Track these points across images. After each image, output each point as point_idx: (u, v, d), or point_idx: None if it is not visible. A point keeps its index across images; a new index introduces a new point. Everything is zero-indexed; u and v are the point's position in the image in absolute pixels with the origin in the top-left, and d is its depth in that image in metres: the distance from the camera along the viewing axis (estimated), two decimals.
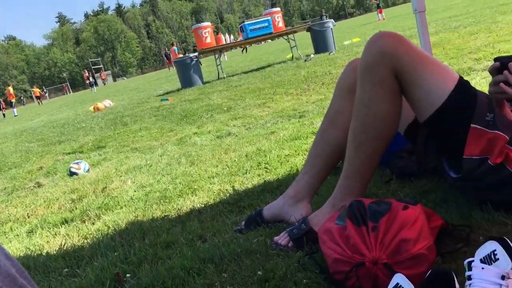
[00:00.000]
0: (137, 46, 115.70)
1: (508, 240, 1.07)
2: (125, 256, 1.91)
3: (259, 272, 1.46)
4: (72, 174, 4.18)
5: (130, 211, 2.64)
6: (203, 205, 2.41)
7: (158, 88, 15.36)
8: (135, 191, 3.11)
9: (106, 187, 3.40)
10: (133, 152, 4.79)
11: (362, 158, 1.51)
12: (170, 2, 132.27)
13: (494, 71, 1.47)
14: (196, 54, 12.25)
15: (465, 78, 1.84)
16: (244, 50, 24.40)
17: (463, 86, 1.42)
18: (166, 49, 39.40)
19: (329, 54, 11.21)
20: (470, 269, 1.01)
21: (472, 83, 3.89)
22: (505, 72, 1.42)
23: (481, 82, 3.85)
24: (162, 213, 2.46)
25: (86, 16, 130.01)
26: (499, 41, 6.24)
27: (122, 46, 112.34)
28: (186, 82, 11.84)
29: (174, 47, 30.42)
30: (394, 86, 1.45)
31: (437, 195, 1.73)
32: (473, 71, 4.68)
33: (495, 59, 1.46)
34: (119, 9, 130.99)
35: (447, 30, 9.44)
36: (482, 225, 1.42)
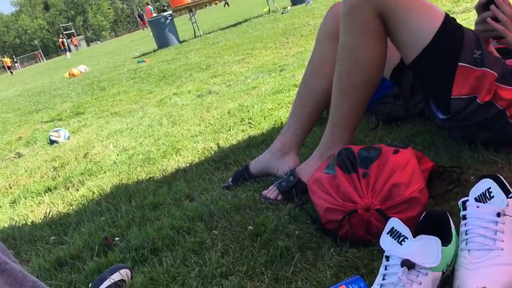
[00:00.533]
0: (109, 8, 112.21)
1: (501, 177, 1.06)
2: (113, 220, 1.88)
3: (250, 227, 1.44)
4: (52, 142, 4.08)
5: (114, 175, 2.59)
6: (188, 165, 2.37)
7: (133, 50, 15.00)
8: (118, 155, 3.05)
9: (88, 153, 3.33)
10: (113, 117, 4.69)
11: (348, 105, 1.47)
12: None
13: (480, 8, 1.42)
14: (170, 12, 11.91)
15: None
16: (226, 4, 23.75)
17: (449, 23, 1.37)
18: (139, 9, 38.17)
19: (306, 5, 10.99)
20: (465, 208, 1.00)
21: None
22: (492, 6, 1.37)
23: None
24: (147, 175, 2.42)
25: None
26: None
27: (93, 9, 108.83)
28: (162, 42, 11.56)
29: (150, 7, 29.47)
30: (378, 28, 1.39)
31: (425, 138, 1.71)
32: (452, 13, 4.61)
33: None
34: None
35: None
36: (472, 165, 1.41)
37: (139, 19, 30.95)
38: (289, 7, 11.31)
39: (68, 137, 4.14)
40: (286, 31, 7.26)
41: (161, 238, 1.55)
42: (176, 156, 2.60)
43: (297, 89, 1.80)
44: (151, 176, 2.38)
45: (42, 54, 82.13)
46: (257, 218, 1.48)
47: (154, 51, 11.50)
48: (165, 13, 11.75)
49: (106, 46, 35.54)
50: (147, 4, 30.29)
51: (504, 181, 1.05)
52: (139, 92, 5.77)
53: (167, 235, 1.55)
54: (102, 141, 3.62)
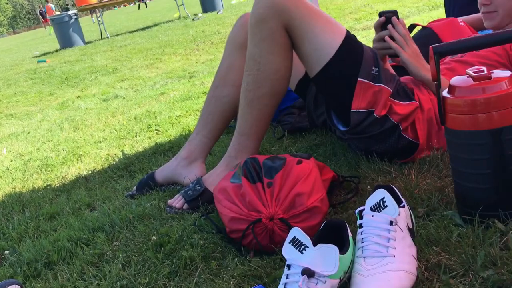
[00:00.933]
0: (7, 3, 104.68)
1: (394, 187, 1.13)
2: (3, 231, 1.74)
3: (153, 237, 1.40)
4: None
5: (6, 182, 2.40)
6: (90, 172, 2.27)
7: (33, 49, 14.08)
8: (11, 160, 2.84)
9: None
10: (7, 119, 4.36)
11: (255, 115, 1.49)
12: None
13: (379, 27, 1.52)
14: (75, 11, 11.37)
15: None
16: (144, 4, 22.95)
17: (350, 40, 1.44)
18: (41, 6, 35.88)
19: (217, 13, 11.05)
20: (361, 217, 1.05)
21: None
22: (389, 26, 1.47)
23: (362, 41, 4.03)
24: (44, 182, 2.27)
25: None
26: (377, 2, 6.59)
27: None
28: (66, 42, 10.97)
29: (51, 4, 27.77)
30: (285, 40, 1.43)
31: (326, 149, 1.78)
32: (354, 30, 4.89)
33: (380, 14, 1.51)
34: None
35: None
36: (369, 175, 1.49)
37: (40, 16, 29.06)
38: (200, 14, 11.30)
39: None
40: (197, 38, 7.25)
41: (57, 250, 1.45)
42: (77, 162, 2.48)
43: (206, 96, 1.79)
44: (48, 184, 2.24)
45: None
46: (161, 228, 1.44)
47: (57, 51, 10.89)
48: (69, 12, 11.18)
49: (3, 42, 33.06)
50: (47, 1, 28.46)
51: (397, 191, 1.12)
52: (39, 94, 5.43)
53: (63, 247, 1.46)
54: None
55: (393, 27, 1.48)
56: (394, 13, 1.49)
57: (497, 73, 1.07)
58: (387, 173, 1.47)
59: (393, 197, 1.04)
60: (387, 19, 1.49)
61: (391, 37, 1.49)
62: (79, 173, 2.29)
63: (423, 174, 1.41)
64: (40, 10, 29.33)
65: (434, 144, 1.51)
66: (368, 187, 1.42)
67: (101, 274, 1.28)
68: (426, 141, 1.49)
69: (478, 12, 1.77)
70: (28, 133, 3.51)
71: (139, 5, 21.96)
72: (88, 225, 1.58)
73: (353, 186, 1.44)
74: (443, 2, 5.53)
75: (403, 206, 1.07)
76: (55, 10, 24.14)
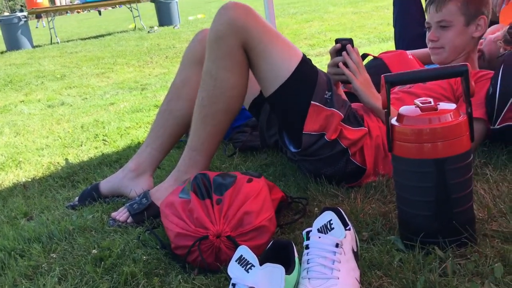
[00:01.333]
0: None
1: (342, 210, 1.14)
2: None
3: (94, 250, 1.34)
4: None
5: None
6: (29, 180, 2.17)
7: None
8: None
9: None
10: None
11: (207, 131, 1.48)
12: None
13: (334, 53, 1.57)
14: (25, 13, 10.98)
15: None
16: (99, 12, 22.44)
17: (305, 64, 1.47)
18: None
19: (173, 27, 11.00)
20: (308, 238, 1.05)
21: None
22: (344, 53, 1.52)
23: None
24: None
25: None
26: (330, 30, 6.78)
27: None
28: (12, 44, 10.55)
29: None
30: (242, 58, 1.44)
31: (277, 169, 1.79)
32: (308, 55, 4.98)
33: (336, 41, 1.55)
34: None
35: (286, 15, 9.96)
36: (317, 197, 1.50)
37: None
38: (156, 27, 11.21)
39: None
40: (151, 51, 7.17)
41: None
42: (16, 169, 2.36)
43: (158, 109, 1.77)
44: None
45: None
46: (102, 241, 1.39)
47: (2, 52, 10.44)
48: (18, 13, 10.79)
49: None
50: None
51: (344, 214, 1.14)
52: None
53: None
54: None
55: (348, 54, 1.53)
56: (350, 41, 1.55)
57: (443, 105, 1.12)
58: (334, 196, 1.50)
59: (340, 219, 1.05)
60: (343, 46, 1.54)
61: (345, 64, 1.53)
62: (17, 180, 2.18)
63: (368, 198, 1.44)
64: None
65: (380, 170, 1.55)
66: (316, 209, 1.44)
67: (34, 287, 1.21)
68: (373, 167, 1.53)
69: (426, 47, 1.86)
70: None
71: (99, 11, 21.56)
72: (24, 235, 1.50)
73: (301, 207, 1.46)
74: (392, 36, 5.77)
75: (349, 229, 1.09)
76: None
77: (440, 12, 1.65)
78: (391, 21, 2.64)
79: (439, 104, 1.12)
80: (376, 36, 5.59)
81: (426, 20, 1.74)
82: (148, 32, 10.47)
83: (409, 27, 2.43)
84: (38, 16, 11.73)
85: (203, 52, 1.54)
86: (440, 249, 1.11)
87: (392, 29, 2.62)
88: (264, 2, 2.53)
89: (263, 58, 1.42)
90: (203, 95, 1.47)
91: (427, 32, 1.77)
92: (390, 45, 4.75)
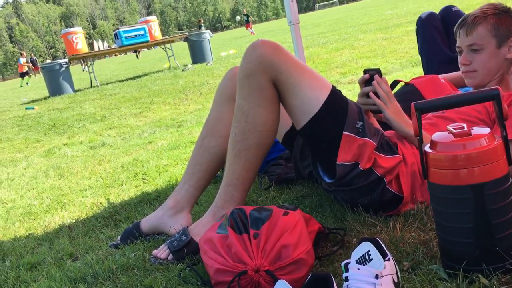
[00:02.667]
0: None
1: (380, 240, 1.13)
2: None
3: None
4: None
5: None
6: (74, 221, 2.24)
7: (22, 96, 14.14)
8: None
9: None
10: None
11: (242, 166, 1.51)
12: (36, 5, 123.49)
13: (363, 83, 1.58)
14: (66, 60, 11.52)
15: None
16: (137, 56, 23.35)
17: (335, 95, 1.48)
18: (33, 54, 36.01)
19: (206, 64, 11.28)
20: (347, 270, 1.05)
21: None
22: (374, 82, 1.53)
23: (347, 95, 4.12)
24: (26, 231, 2.23)
25: None
26: (361, 57, 6.79)
27: None
28: (55, 90, 11.07)
29: (21, 59, 26.77)
30: (272, 93, 1.47)
31: (313, 200, 1.79)
32: (340, 84, 5.02)
33: (365, 71, 1.57)
34: None
35: (316, 45, 10.05)
36: (354, 227, 1.49)
37: (31, 64, 28.96)
38: (189, 65, 11.52)
39: None
40: (186, 88, 7.35)
41: None
42: (61, 211, 2.45)
43: (193, 146, 1.81)
44: (31, 232, 2.20)
45: None
46: (145, 279, 1.42)
47: (45, 98, 10.94)
48: (60, 60, 11.33)
49: None
50: (21, 54, 27.90)
51: (382, 244, 1.13)
52: (25, 141, 5.41)
53: None
54: None
55: (377, 84, 1.54)
56: (378, 71, 1.56)
57: (477, 130, 1.11)
58: (372, 225, 1.48)
59: (378, 250, 1.05)
60: (371, 76, 1.55)
61: (375, 94, 1.55)
62: (62, 222, 2.26)
63: (407, 227, 1.42)
64: (31, 58, 29.57)
65: (418, 198, 1.53)
66: (354, 239, 1.43)
67: None
68: (410, 194, 1.51)
69: (454, 71, 1.84)
70: (12, 180, 3.47)
71: (137, 55, 22.36)
72: (70, 275, 1.55)
73: (339, 239, 1.45)
74: None
75: (388, 260, 1.08)
76: (24, 64, 24.14)
77: (471, 36, 1.63)
78: None
79: (472, 129, 1.11)
80: (408, 61, 5.56)
81: (457, 45, 1.72)
82: (183, 70, 10.76)
83: (435, 54, 2.42)
84: (83, 61, 12.30)
85: (234, 89, 1.58)
86: (485, 276, 1.08)
87: None
88: (292, 34, 2.58)
89: (293, 92, 1.45)
90: (236, 131, 1.50)
91: (458, 56, 1.75)
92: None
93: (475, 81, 1.69)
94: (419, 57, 2.46)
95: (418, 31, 2.50)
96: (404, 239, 1.35)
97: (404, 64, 5.40)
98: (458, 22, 1.70)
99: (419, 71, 4.64)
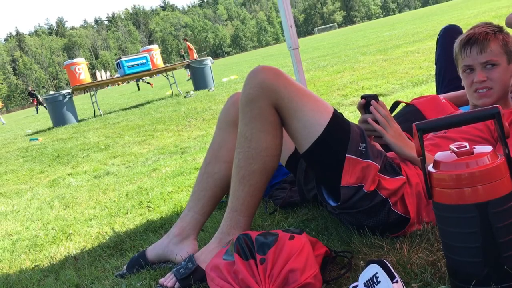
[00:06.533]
0: (1, 83, 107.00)
1: (387, 262, 1.13)
2: None
3: None
4: None
5: None
6: (79, 251, 2.23)
7: (26, 128, 14.25)
8: None
9: None
10: None
11: (246, 191, 1.51)
12: (39, 37, 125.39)
13: (361, 108, 1.60)
14: (68, 91, 11.64)
15: None
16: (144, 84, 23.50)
17: (337, 118, 1.49)
18: (30, 88, 36.15)
19: (208, 90, 11.38)
20: None
21: None
22: (371, 108, 1.55)
23: (349, 116, 4.15)
24: (32, 263, 2.22)
25: None
26: (362, 78, 6.85)
27: None
28: (59, 120, 11.16)
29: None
30: (274, 118, 1.48)
31: (318, 223, 1.79)
32: (341, 106, 5.05)
33: (362, 97, 1.59)
34: None
35: (317, 68, 10.14)
36: (361, 250, 1.48)
37: (30, 97, 29.14)
38: (192, 92, 11.62)
39: None
40: (189, 115, 7.40)
41: None
42: (67, 241, 2.44)
43: (197, 172, 1.82)
44: (36, 264, 2.19)
45: None
46: None
47: (49, 129, 11.02)
48: (63, 91, 11.45)
49: None
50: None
51: (389, 266, 1.12)
52: (29, 172, 5.43)
53: None
54: None
55: (375, 109, 1.55)
56: (375, 96, 1.57)
57: (479, 149, 1.12)
58: (379, 247, 1.48)
59: (386, 272, 1.04)
60: (367, 102, 1.57)
61: (374, 120, 1.55)
62: (68, 253, 2.25)
63: (415, 248, 1.41)
64: (31, 90, 29.86)
65: (424, 218, 1.52)
66: (361, 262, 1.42)
67: None
68: (416, 215, 1.51)
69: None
70: (18, 212, 3.48)
71: (138, 86, 22.48)
72: None
73: (346, 261, 1.44)
74: (425, 79, 5.74)
75: (397, 282, 1.07)
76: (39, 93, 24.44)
77: (485, 52, 1.62)
78: (422, 65, 2.68)
79: (475, 148, 1.12)
80: (409, 81, 5.60)
81: (466, 63, 1.67)
82: (185, 97, 10.85)
83: (451, 66, 2.42)
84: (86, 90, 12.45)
85: (236, 114, 1.60)
86: None
87: (425, 73, 2.62)
88: (292, 59, 2.61)
89: (295, 116, 1.46)
90: (239, 156, 1.51)
91: (466, 74, 1.71)
92: (424, 89, 4.74)
93: (490, 100, 1.64)
94: (420, 77, 2.48)
95: (438, 42, 2.50)
96: (412, 260, 1.34)
97: (405, 85, 5.43)
98: (462, 41, 1.67)
99: (420, 90, 4.68)
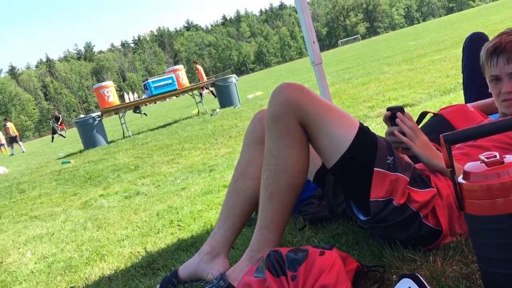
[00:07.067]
0: (34, 109, 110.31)
1: (420, 276, 1.11)
2: None
3: None
4: None
5: (31, 286, 2.41)
6: (113, 271, 2.27)
7: (58, 151, 14.61)
8: (36, 263, 2.85)
9: (1, 262, 3.09)
10: (32, 221, 4.44)
11: (275, 208, 1.52)
12: (68, 62, 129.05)
13: (387, 121, 1.59)
14: (98, 113, 11.92)
15: None
16: (143, 114, 23.76)
17: (363, 132, 1.49)
18: (57, 112, 36.86)
19: (234, 107, 11.46)
20: None
21: None
22: (398, 120, 1.54)
23: (376, 128, 4.12)
24: (68, 284, 2.27)
25: None
26: (388, 89, 6.79)
27: (17, 109, 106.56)
28: (89, 143, 11.42)
29: (7, 123, 26.25)
30: (300, 134, 1.49)
31: (349, 238, 1.78)
32: (368, 117, 5.01)
33: (387, 109, 1.58)
34: (12, 71, 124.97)
35: (342, 81, 10.11)
36: (393, 264, 1.47)
37: (55, 121, 29.45)
38: (218, 110, 11.73)
39: None
40: (215, 132, 7.47)
41: None
42: (101, 262, 2.48)
43: (226, 190, 1.83)
44: (72, 285, 2.24)
45: None
46: None
47: (80, 151, 11.28)
48: (93, 114, 11.73)
49: (29, 146, 34.38)
50: (5, 120, 28.03)
51: (422, 279, 1.11)
52: (63, 194, 5.56)
53: None
54: (19, 248, 3.39)
55: (401, 121, 1.54)
56: (400, 109, 1.56)
57: (510, 158, 1.10)
58: (412, 261, 1.45)
59: (419, 286, 1.03)
60: (393, 114, 1.56)
61: (401, 132, 1.54)
62: (102, 273, 2.29)
63: (448, 260, 1.39)
64: (57, 115, 30.51)
65: (456, 229, 1.50)
66: (394, 276, 1.40)
67: None
68: (448, 227, 1.48)
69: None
70: (52, 234, 3.56)
71: (142, 114, 22.65)
72: None
73: (378, 276, 1.42)
74: (453, 88, 5.66)
75: None
76: (9, 129, 24.87)
77: None
78: (450, 73, 2.64)
79: (505, 157, 1.10)
80: (436, 90, 5.53)
81: (493, 74, 1.66)
82: (211, 115, 10.96)
83: (478, 74, 2.39)
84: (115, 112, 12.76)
85: (262, 132, 1.61)
86: None
87: (452, 81, 2.58)
88: (316, 74, 2.62)
89: (321, 132, 1.47)
90: (267, 174, 1.52)
91: (493, 84, 1.70)
92: (452, 97, 4.67)
93: None
94: (448, 85, 2.44)
95: (464, 50, 2.48)
96: (446, 273, 1.31)
97: (432, 94, 5.37)
98: (489, 50, 1.66)
99: (448, 99, 4.61)
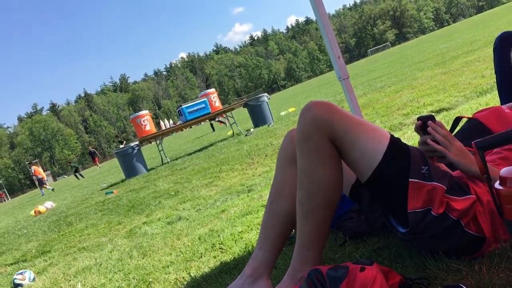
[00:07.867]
0: (76, 142, 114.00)
1: (465, 286, 1.09)
2: None
3: None
4: (16, 286, 3.89)
5: None
6: None
7: (101, 182, 15.00)
8: None
9: None
10: (80, 252, 4.57)
11: (312, 226, 1.52)
12: (105, 95, 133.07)
13: (419, 130, 1.58)
14: (137, 143, 12.20)
15: (397, 133, 1.90)
16: (224, 123, 24.15)
17: (395, 144, 1.49)
18: (90, 147, 38.24)
19: (268, 126, 11.51)
20: None
21: (405, 137, 4.10)
22: (430, 129, 1.52)
23: (413, 136, 4.06)
24: None
25: (20, 119, 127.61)
26: (422, 95, 6.68)
27: (60, 144, 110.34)
28: (130, 172, 11.68)
29: (32, 167, 26.45)
30: (331, 151, 1.49)
31: (391, 251, 1.75)
32: (404, 125, 4.94)
33: (418, 119, 1.57)
34: (53, 108, 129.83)
35: (374, 90, 10.01)
36: (438, 275, 1.44)
37: (90, 157, 30.52)
38: (252, 129, 11.80)
39: (33, 278, 3.97)
40: (251, 152, 7.51)
41: None
42: None
43: (264, 210, 1.85)
44: None
45: (7, 193, 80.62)
46: None
47: (122, 181, 11.55)
48: (132, 144, 12.02)
49: (74, 179, 35.44)
50: (31, 164, 28.65)
51: None
52: (108, 224, 5.69)
53: None
54: (70, 280, 3.49)
55: (433, 129, 1.53)
56: (431, 117, 1.55)
57: None
58: (456, 271, 1.43)
59: None
60: (424, 123, 1.55)
61: (434, 140, 1.53)
62: None
63: (494, 268, 1.35)
64: (90, 151, 31.38)
65: (501, 236, 1.46)
66: None
67: None
68: (492, 234, 1.45)
69: None
70: (100, 264, 3.65)
71: (212, 126, 23.01)
72: None
73: None
74: (490, 88, 5.52)
75: None
76: (36, 170, 25.27)
77: None
78: (485, 73, 2.59)
79: None
80: (472, 91, 5.41)
81: None
82: (246, 135, 11.03)
83: (510, 74, 2.34)
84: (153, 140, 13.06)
85: (294, 151, 1.63)
86: None
87: (488, 81, 2.53)
88: (343, 89, 2.63)
89: (352, 147, 1.47)
90: (301, 192, 1.53)
91: None
92: (489, 98, 4.56)
93: None
94: (484, 86, 2.39)
95: (495, 50, 2.44)
96: (493, 282, 1.28)
97: (468, 96, 5.25)
98: None
99: (485, 100, 4.50)
